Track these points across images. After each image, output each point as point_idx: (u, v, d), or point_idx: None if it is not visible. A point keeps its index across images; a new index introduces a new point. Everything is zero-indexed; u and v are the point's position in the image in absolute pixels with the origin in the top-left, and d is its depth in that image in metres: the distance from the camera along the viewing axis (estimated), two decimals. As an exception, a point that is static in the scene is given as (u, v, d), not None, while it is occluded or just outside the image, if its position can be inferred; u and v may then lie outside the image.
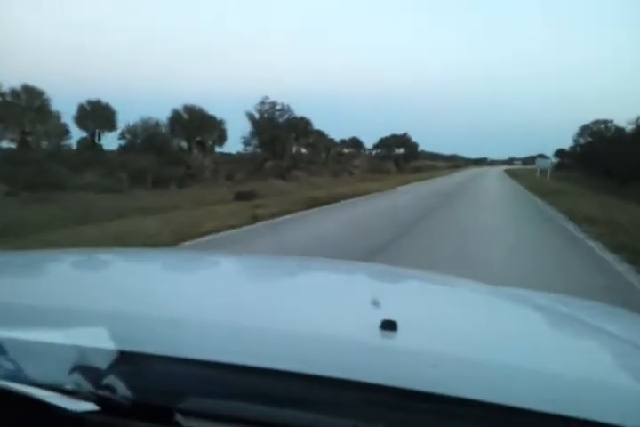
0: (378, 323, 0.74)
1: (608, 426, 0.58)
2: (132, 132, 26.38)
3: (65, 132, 25.50)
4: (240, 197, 14.45)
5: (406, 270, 1.70)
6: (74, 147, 26.51)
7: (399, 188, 24.11)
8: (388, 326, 0.73)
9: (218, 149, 30.08)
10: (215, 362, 0.65)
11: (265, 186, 23.94)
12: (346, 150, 50.09)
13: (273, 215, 10.45)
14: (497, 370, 0.68)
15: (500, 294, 1.31)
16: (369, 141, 59.76)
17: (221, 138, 28.57)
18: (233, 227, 8.53)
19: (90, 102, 25.90)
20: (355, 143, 52.62)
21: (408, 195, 19.42)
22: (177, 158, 24.39)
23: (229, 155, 31.82)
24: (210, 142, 27.76)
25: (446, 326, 0.89)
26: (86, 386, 0.60)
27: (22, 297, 0.88)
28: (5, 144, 23.27)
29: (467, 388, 0.62)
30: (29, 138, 23.96)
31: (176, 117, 26.51)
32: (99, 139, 26.45)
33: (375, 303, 0.88)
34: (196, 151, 25.62)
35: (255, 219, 9.61)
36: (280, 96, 31.13)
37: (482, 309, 1.13)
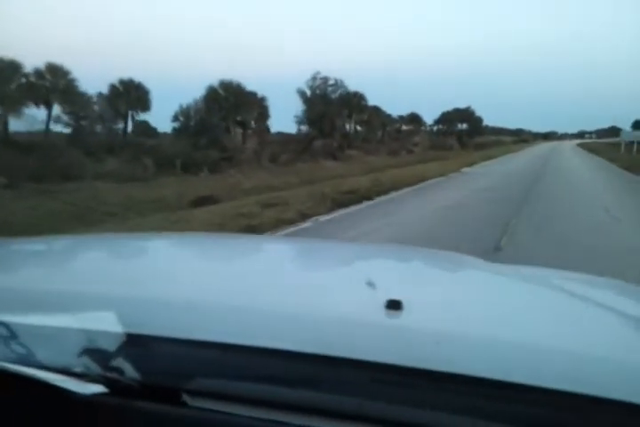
0: (383, 303, 0.74)
1: (615, 402, 0.57)
2: (185, 114, 24.61)
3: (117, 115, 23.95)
4: (199, 202, 10.59)
5: (412, 249, 1.70)
6: (128, 130, 25.17)
7: (466, 169, 20.44)
8: (393, 305, 0.74)
9: (276, 129, 28.19)
10: (222, 343, 0.66)
11: (312, 167, 21.65)
12: (404, 127, 46.94)
13: (282, 223, 7.05)
14: (500, 347, 0.68)
15: (506, 272, 1.27)
16: (429, 117, 55.92)
17: (263, 116, 25.90)
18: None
19: (122, 82, 23.86)
20: (414, 119, 48.93)
21: (479, 181, 15.04)
22: (216, 140, 22.28)
23: (289, 135, 30.07)
24: (252, 121, 25.22)
25: (451, 304, 0.88)
26: (95, 369, 0.62)
27: (31, 283, 0.89)
28: (60, 128, 22.39)
29: (470, 365, 0.62)
30: (83, 122, 22.91)
31: (212, 95, 24.00)
32: (132, 120, 24.52)
33: (379, 283, 0.87)
34: (233, 131, 23.14)
35: (252, 231, 6.41)
36: (333, 72, 28.64)
37: (487, 287, 1.11)
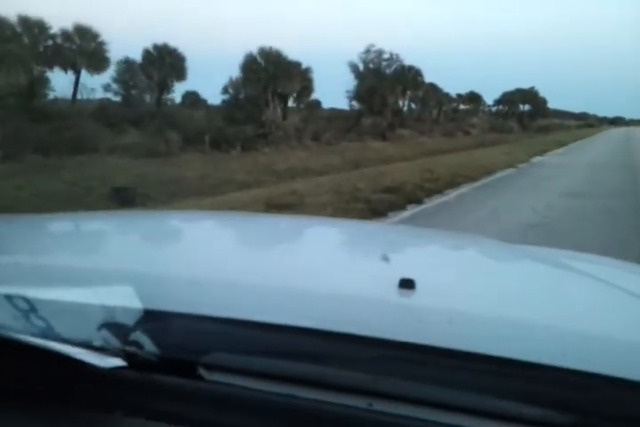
0: (396, 281, 0.76)
1: (614, 379, 0.59)
2: (234, 86, 22.61)
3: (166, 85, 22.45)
4: (118, 195, 8.04)
5: (424, 230, 1.82)
6: (177, 101, 24.14)
7: (537, 159, 17.41)
8: (407, 284, 0.75)
9: (331, 105, 26.39)
10: (237, 320, 0.67)
11: (357, 148, 19.59)
12: (462, 106, 43.65)
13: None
14: (511, 326, 0.70)
15: (518, 252, 1.29)
16: (490, 97, 52.01)
17: (306, 89, 23.55)
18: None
19: (156, 47, 21.98)
20: (473, 98, 45.44)
21: (563, 179, 11.72)
22: (254, 115, 20.31)
23: (342, 111, 28.18)
24: (294, 94, 22.97)
25: (463, 284, 0.90)
26: (114, 343, 0.63)
27: (52, 259, 0.92)
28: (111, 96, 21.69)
29: (482, 343, 0.64)
30: (133, 91, 21.87)
31: (250, 64, 21.77)
32: (167, 90, 22.70)
33: (393, 262, 0.88)
34: (272, 105, 20.98)
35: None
36: (389, 46, 26.27)
37: (502, 268, 1.13)
